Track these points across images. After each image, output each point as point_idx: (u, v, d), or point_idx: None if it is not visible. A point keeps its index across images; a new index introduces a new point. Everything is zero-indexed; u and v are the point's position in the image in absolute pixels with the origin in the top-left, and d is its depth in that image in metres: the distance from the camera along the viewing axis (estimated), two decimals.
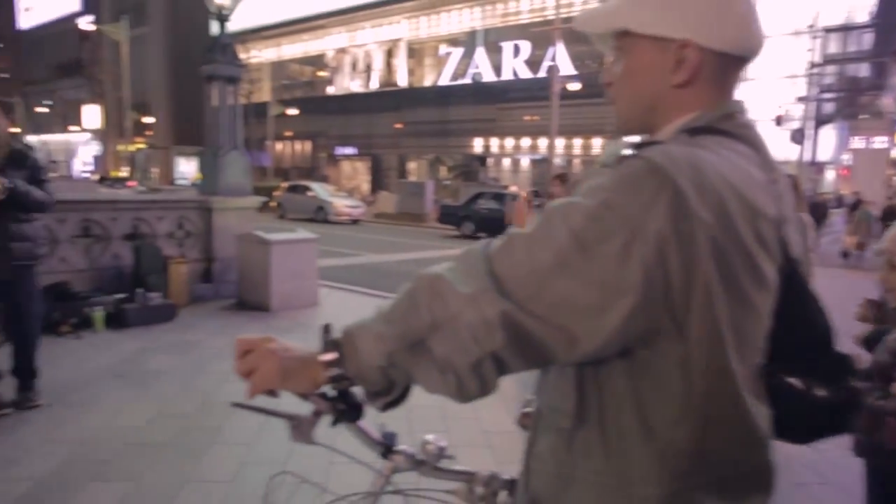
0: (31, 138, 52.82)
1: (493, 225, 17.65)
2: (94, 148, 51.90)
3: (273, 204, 21.32)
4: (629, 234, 0.74)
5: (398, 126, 32.14)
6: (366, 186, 33.88)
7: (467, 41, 31.30)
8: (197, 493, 2.89)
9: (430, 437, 0.99)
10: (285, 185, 24.51)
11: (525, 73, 28.74)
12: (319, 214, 21.04)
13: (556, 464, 0.88)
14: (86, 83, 50.70)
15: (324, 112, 35.65)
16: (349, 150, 35.35)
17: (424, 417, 3.51)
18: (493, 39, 30.23)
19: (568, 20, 18.06)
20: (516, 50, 29.14)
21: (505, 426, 3.64)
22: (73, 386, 4.19)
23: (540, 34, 24.32)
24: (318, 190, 22.34)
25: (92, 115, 50.39)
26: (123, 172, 39.74)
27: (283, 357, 0.92)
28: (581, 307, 0.76)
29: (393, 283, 8.92)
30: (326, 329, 0.92)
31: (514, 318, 0.77)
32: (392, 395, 0.91)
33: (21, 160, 3.66)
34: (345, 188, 29.27)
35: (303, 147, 38.51)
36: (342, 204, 21.51)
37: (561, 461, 0.88)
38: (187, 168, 35.41)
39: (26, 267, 3.76)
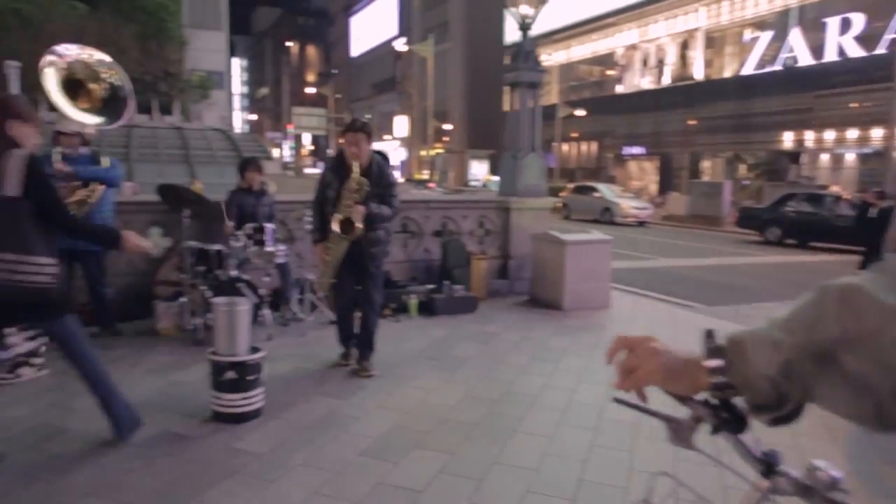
0: None
1: (805, 230, 15.52)
2: (401, 153, 59.08)
3: (559, 205, 21.78)
4: None
5: (691, 123, 30.16)
6: (653, 187, 32.55)
7: (778, 22, 27.90)
8: (505, 475, 3.09)
9: (820, 462, 0.89)
10: (571, 185, 24.85)
11: (855, 52, 24.51)
12: (605, 216, 20.88)
13: None
14: (397, 97, 57.98)
15: (611, 111, 35.19)
16: (637, 150, 34.31)
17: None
18: (812, 16, 26.41)
19: None
20: (845, 25, 24.95)
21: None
22: (395, 362, 4.81)
23: (879, 2, 20.51)
24: (605, 191, 22.17)
25: (401, 124, 57.41)
26: (424, 175, 44.46)
27: (666, 358, 0.91)
28: None
29: (689, 290, 8.51)
30: (709, 334, 0.89)
31: None
32: (782, 410, 0.84)
33: (379, 177, 4.37)
34: (631, 189, 28.55)
35: (588, 147, 38.57)
36: (629, 205, 21.03)
37: None
38: (479, 170, 38.15)
39: (377, 266, 4.56)
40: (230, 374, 3.49)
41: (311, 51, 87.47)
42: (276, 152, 52.34)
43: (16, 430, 3.42)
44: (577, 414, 3.88)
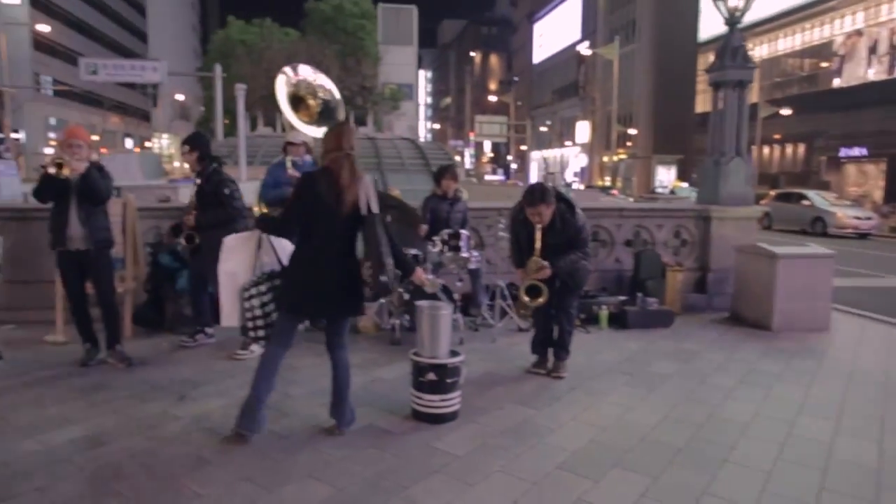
0: (535, 154, 61.74)
1: None
2: (582, 160, 58.01)
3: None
4: None
5: None
6: (878, 193, 28.41)
7: None
8: None
9: None
10: (773, 192, 22.60)
11: None
12: (816, 226, 18.66)
13: None
14: (579, 102, 57.08)
15: (825, 109, 31.28)
16: (857, 152, 30.09)
17: None
18: None
19: None
20: None
21: None
22: (588, 375, 4.68)
23: None
24: (816, 198, 19.84)
25: (583, 130, 56.42)
26: (606, 182, 43.22)
27: None
28: None
29: None
30: None
31: None
32: None
33: (562, 229, 4.43)
34: (850, 196, 25.25)
35: (794, 150, 34.81)
36: (847, 214, 18.61)
37: None
38: (666, 176, 36.21)
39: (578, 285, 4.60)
40: (430, 376, 3.62)
41: (494, 59, 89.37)
42: (457, 160, 54.18)
43: None
44: (800, 450, 3.46)
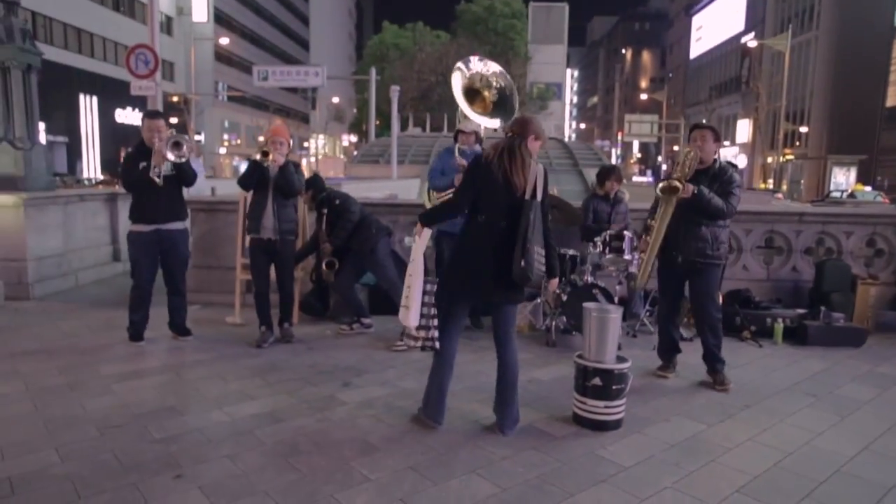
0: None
1: None
2: (741, 161, 53.91)
3: None
4: None
5: None
6: None
7: None
8: None
9: None
10: None
11: None
12: None
13: None
14: (740, 99, 53.06)
15: None
16: None
17: None
18: None
19: None
20: None
21: None
22: (763, 393, 4.26)
23: None
24: None
25: (743, 128, 52.38)
26: (768, 185, 39.76)
27: None
28: None
29: None
30: None
31: None
32: None
33: (719, 173, 4.25)
34: None
35: None
36: None
37: None
38: (843, 179, 32.59)
39: (708, 266, 4.31)
40: (596, 381, 3.47)
41: (646, 56, 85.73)
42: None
43: (409, 401, 3.92)
44: None
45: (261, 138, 5.03)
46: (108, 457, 3.10)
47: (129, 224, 4.98)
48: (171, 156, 4.76)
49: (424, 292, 3.57)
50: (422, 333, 3.76)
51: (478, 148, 5.14)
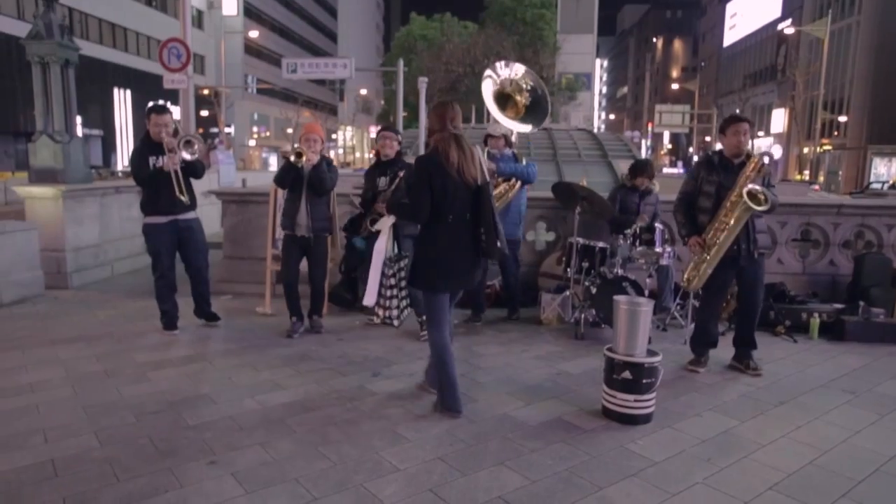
0: (720, 146, 57.68)
1: None
2: (776, 151, 52.64)
3: None
4: None
5: None
6: None
7: None
8: None
9: None
10: None
11: None
12: None
13: None
14: (776, 88, 51.78)
15: None
16: None
17: None
18: None
19: None
20: None
21: None
22: (799, 389, 4.18)
23: None
24: None
25: (778, 118, 51.13)
26: (804, 176, 38.81)
27: None
28: None
29: None
30: None
31: None
32: None
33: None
34: None
35: None
36: None
37: None
38: (885, 170, 31.61)
39: (762, 256, 4.38)
40: (626, 374, 3.44)
41: (677, 45, 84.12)
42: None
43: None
44: None
45: (289, 130, 5.04)
46: (144, 442, 3.18)
47: (143, 217, 5.04)
48: (185, 154, 4.83)
49: (382, 274, 3.80)
50: (380, 312, 4.16)
51: (508, 151, 5.14)
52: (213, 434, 3.28)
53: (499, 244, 3.40)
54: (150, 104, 5.29)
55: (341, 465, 2.99)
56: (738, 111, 58.76)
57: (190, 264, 5.16)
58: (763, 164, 4.20)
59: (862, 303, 5.45)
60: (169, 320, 5.11)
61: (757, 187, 4.14)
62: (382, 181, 5.25)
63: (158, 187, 4.88)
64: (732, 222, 4.22)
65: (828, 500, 2.79)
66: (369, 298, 4.10)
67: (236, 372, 4.26)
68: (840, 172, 37.27)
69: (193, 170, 5.02)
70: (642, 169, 5.69)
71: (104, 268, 7.34)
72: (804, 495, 2.82)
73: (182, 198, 4.88)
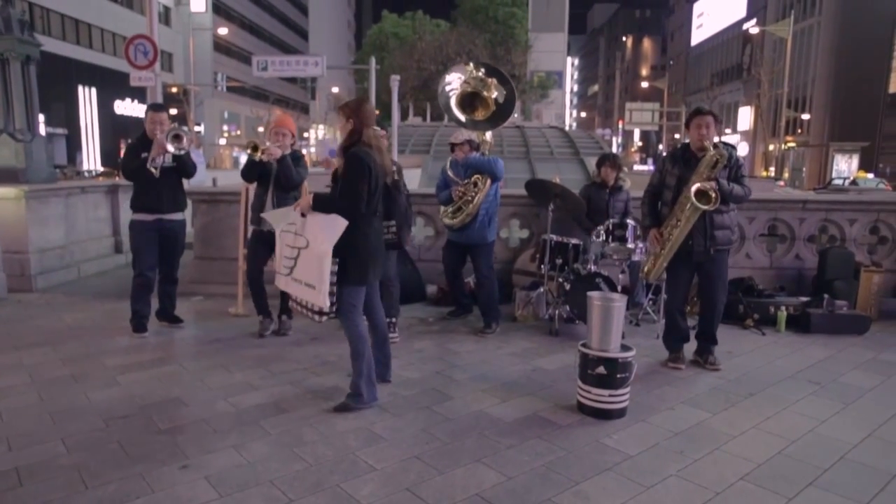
0: None
1: None
2: (743, 148, 53.62)
3: None
4: None
5: None
6: None
7: None
8: None
9: None
10: None
11: None
12: None
13: None
14: (742, 86, 52.76)
15: None
16: None
17: None
18: None
19: None
20: None
21: None
22: (767, 380, 4.26)
23: None
24: None
25: (745, 116, 52.11)
26: (770, 172, 39.62)
27: None
28: None
29: None
30: None
31: None
32: None
33: (728, 159, 4.26)
34: None
35: None
36: None
37: None
38: (846, 166, 32.48)
39: (722, 252, 4.40)
40: (600, 370, 3.48)
41: (647, 43, 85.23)
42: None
43: (413, 391, 3.94)
44: None
45: (260, 129, 4.97)
46: (114, 447, 3.11)
47: (131, 213, 5.02)
48: (170, 147, 4.78)
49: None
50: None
51: (475, 154, 5.11)
52: (186, 437, 3.23)
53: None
54: (149, 102, 5.32)
55: (317, 465, 2.96)
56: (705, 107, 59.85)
57: (164, 264, 5.13)
58: (718, 159, 4.15)
59: (826, 295, 5.58)
60: (139, 322, 5.02)
61: (707, 185, 4.14)
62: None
63: (147, 184, 4.86)
64: (683, 220, 4.26)
65: (796, 489, 2.85)
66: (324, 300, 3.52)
67: (209, 374, 4.19)
68: (804, 169, 38.16)
69: (183, 168, 4.98)
70: (602, 159, 5.74)
71: (70, 269, 7.17)
72: (774, 484, 2.88)
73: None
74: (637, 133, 68.88)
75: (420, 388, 4.00)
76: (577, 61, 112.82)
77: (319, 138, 64.37)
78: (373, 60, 22.88)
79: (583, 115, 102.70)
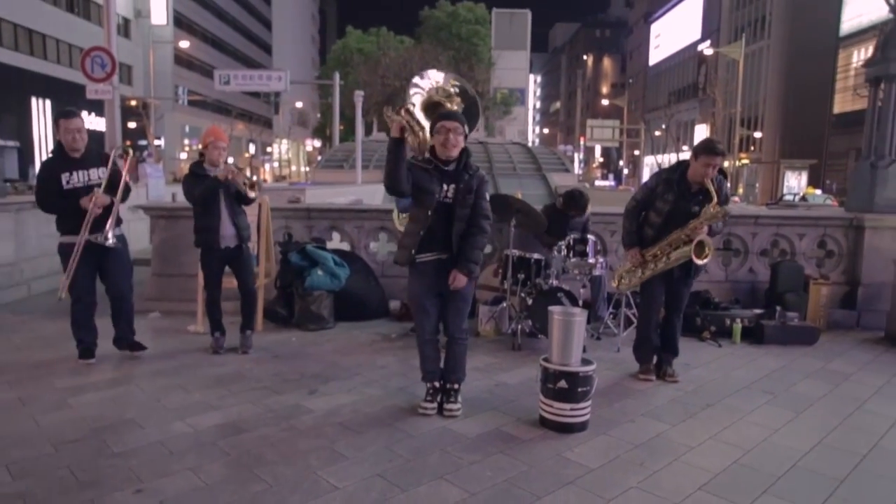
0: (648, 158, 59.35)
1: None
2: None
3: None
4: None
5: None
6: None
7: None
8: None
9: None
10: None
11: None
12: None
13: None
14: (698, 105, 54.36)
15: None
16: None
17: None
18: None
19: None
20: None
21: None
22: (724, 391, 4.37)
23: None
24: None
25: (701, 133, 53.63)
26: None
27: None
28: None
29: None
30: None
31: None
32: None
33: (718, 191, 4.25)
34: None
35: None
36: None
37: None
38: (796, 183, 33.69)
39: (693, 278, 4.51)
40: (561, 384, 3.51)
41: (607, 62, 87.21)
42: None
43: (376, 408, 3.91)
44: None
45: (222, 144, 4.79)
46: (64, 473, 3.00)
47: (59, 236, 4.56)
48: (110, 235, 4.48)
49: None
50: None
51: None
52: (140, 461, 3.13)
53: None
54: (58, 111, 4.80)
55: (277, 487, 2.91)
56: (664, 126, 61.42)
57: (111, 288, 4.70)
58: (723, 216, 4.26)
59: (778, 307, 5.76)
60: (85, 349, 4.65)
61: (709, 239, 4.26)
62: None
63: (74, 204, 4.39)
64: (672, 259, 4.35)
65: (751, 497, 2.91)
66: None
67: (165, 394, 4.09)
68: (757, 185, 39.41)
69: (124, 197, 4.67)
70: (576, 202, 5.76)
71: (20, 287, 6.93)
72: (730, 494, 2.94)
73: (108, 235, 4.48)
74: (598, 149, 70.18)
75: (383, 404, 3.97)
76: (539, 79, 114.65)
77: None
78: (337, 76, 22.87)
79: (545, 131, 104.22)
